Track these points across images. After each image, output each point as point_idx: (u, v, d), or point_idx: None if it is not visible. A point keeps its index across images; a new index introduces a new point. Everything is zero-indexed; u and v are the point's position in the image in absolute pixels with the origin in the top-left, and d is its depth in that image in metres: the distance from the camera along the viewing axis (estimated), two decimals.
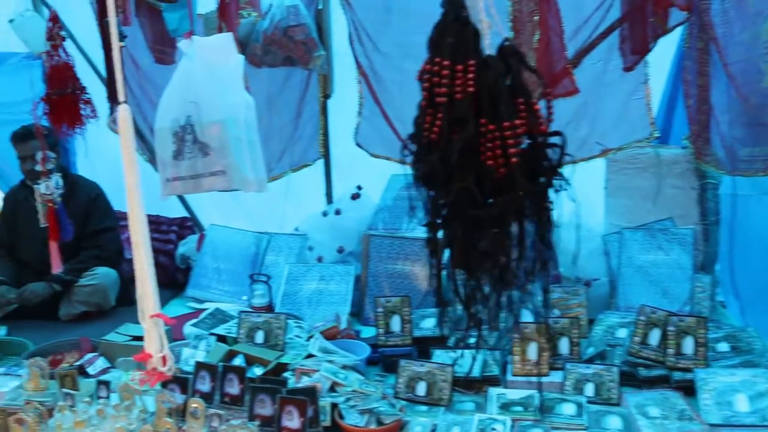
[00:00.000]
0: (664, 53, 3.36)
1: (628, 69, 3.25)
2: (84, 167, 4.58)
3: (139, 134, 4.05)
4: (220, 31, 2.76)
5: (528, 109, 1.54)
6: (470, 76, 1.54)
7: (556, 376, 2.50)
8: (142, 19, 3.57)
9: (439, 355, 2.68)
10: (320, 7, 3.70)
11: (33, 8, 4.16)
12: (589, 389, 2.41)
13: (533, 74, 1.58)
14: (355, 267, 3.50)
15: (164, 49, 3.61)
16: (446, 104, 1.55)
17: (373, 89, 3.71)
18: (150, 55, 3.69)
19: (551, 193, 1.67)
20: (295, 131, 3.97)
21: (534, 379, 2.38)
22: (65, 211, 2.87)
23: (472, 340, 2.66)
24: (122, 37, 2.72)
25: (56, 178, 2.78)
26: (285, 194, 3.84)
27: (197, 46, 2.34)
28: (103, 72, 3.76)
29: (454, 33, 1.51)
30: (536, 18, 2.90)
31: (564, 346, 2.66)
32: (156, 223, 4.35)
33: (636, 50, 3.16)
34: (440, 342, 2.82)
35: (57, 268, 2.87)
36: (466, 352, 2.51)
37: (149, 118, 4.21)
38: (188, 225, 4.46)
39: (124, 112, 1.34)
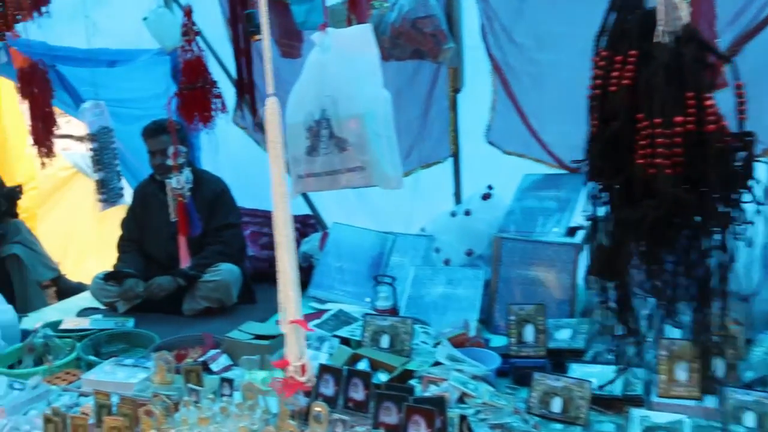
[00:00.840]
0: None
1: None
2: (206, 162, 4.79)
3: (263, 129, 4.17)
4: (349, 23, 2.79)
5: (698, 105, 1.43)
6: (628, 67, 1.46)
7: (709, 402, 2.35)
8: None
9: (576, 369, 2.59)
10: None
11: (164, 5, 4.39)
12: (749, 419, 2.24)
13: (724, 62, 1.46)
14: (485, 271, 3.45)
15: (291, 43, 3.69)
16: (600, 97, 1.47)
17: (507, 83, 3.64)
18: (276, 49, 3.79)
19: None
20: (424, 127, 3.96)
21: (684, 402, 2.24)
22: (194, 206, 2.99)
23: (611, 355, 2.58)
24: (260, 30, 2.81)
25: (187, 173, 2.90)
26: (412, 193, 3.82)
27: (333, 38, 2.36)
28: (231, 68, 3.90)
29: (620, 20, 1.43)
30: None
31: (718, 367, 2.50)
32: None
33: None
34: (576, 355, 2.74)
35: (185, 262, 2.99)
36: (609, 368, 2.41)
37: None
38: (311, 223, 4.56)
39: (273, 104, 1.36)
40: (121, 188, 4.13)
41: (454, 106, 3.90)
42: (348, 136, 2.29)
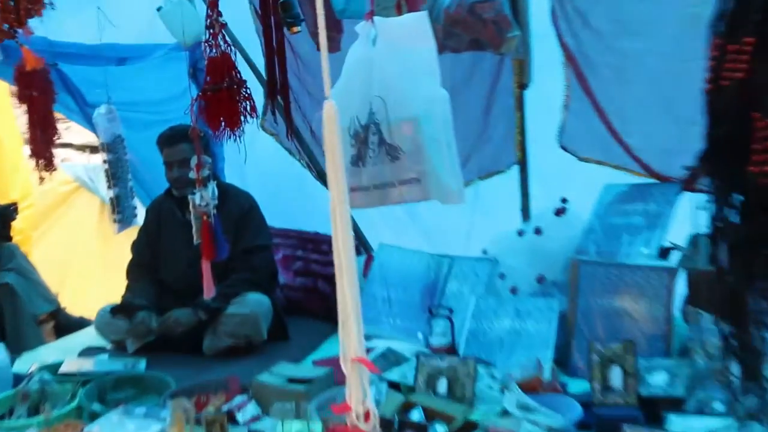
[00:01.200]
0: None
1: None
2: (230, 174, 4.82)
3: (297, 136, 4.19)
4: (399, 10, 2.79)
5: None
6: (742, 57, 1.42)
7: None
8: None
9: (675, 422, 2.53)
10: None
11: None
12: None
13: None
14: (560, 301, 3.40)
15: (329, 35, 3.70)
16: (713, 93, 1.44)
17: (582, 76, 3.61)
18: (311, 42, 3.80)
19: None
20: (484, 131, 3.94)
21: None
22: (221, 226, 2.99)
23: (719, 405, 2.51)
24: (299, 20, 2.82)
25: (212, 187, 2.90)
26: (471, 208, 3.80)
27: (381, 28, 2.35)
28: (259, 64, 3.93)
29: (739, 2, 1.41)
30: None
31: None
32: (315, 241, 4.48)
33: None
34: (675, 404, 2.68)
35: (209, 292, 2.99)
36: (719, 420, 2.34)
37: (309, 115, 4.34)
38: None
39: (330, 109, 1.36)
40: (135, 207, 4.18)
41: (520, 104, 3.87)
42: (401, 143, 2.28)
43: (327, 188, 4.04)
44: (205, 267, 2.93)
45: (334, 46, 3.69)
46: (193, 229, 2.93)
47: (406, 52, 2.35)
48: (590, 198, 3.64)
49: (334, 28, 3.64)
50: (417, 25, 2.38)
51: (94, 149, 6.84)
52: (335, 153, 1.35)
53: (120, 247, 5.41)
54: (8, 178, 5.89)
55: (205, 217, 2.88)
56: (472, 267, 3.79)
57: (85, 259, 6.09)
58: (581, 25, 3.60)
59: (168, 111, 4.50)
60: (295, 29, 2.86)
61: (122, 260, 4.44)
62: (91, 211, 6.16)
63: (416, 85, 2.34)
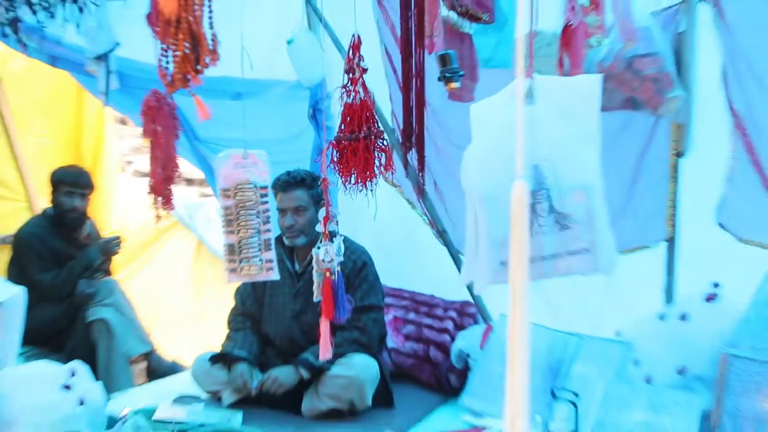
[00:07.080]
0: None
1: None
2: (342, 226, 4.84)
3: (420, 191, 4.15)
4: (561, 64, 2.72)
5: None
6: None
7: None
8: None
9: None
10: (681, 29, 3.55)
11: (308, 27, 4.43)
12: None
13: None
14: (703, 398, 3.27)
15: (463, 83, 3.68)
16: None
17: (752, 147, 3.48)
18: (443, 90, 3.78)
19: None
20: (629, 201, 3.85)
21: None
22: (344, 285, 2.95)
23: None
24: (458, 76, 2.79)
25: (339, 243, 2.86)
26: (606, 283, 3.69)
27: (544, 87, 2.30)
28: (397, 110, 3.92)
29: None
30: None
31: None
32: (429, 305, 4.45)
33: None
34: None
35: (326, 353, 2.94)
36: None
37: (434, 168, 4.25)
38: (470, 312, 4.49)
39: (521, 189, 1.29)
40: (270, 260, 4.13)
41: (674, 174, 3.76)
42: (572, 211, 2.24)
43: (447, 247, 3.96)
44: (324, 326, 2.87)
45: (468, 96, 3.64)
46: (314, 285, 2.88)
47: (573, 115, 2.31)
48: (748, 285, 3.49)
49: (470, 76, 3.60)
50: (588, 88, 2.34)
51: (190, 181, 6.98)
52: (521, 237, 1.30)
53: (216, 290, 5.46)
54: (105, 208, 6.06)
55: (327, 274, 2.84)
56: (602, 349, 3.69)
57: (177, 301, 6.12)
58: (757, 89, 3.47)
59: (281, 152, 4.51)
60: (453, 85, 2.83)
61: (218, 305, 4.45)
62: (186, 250, 6.19)
63: (585, 150, 2.30)
